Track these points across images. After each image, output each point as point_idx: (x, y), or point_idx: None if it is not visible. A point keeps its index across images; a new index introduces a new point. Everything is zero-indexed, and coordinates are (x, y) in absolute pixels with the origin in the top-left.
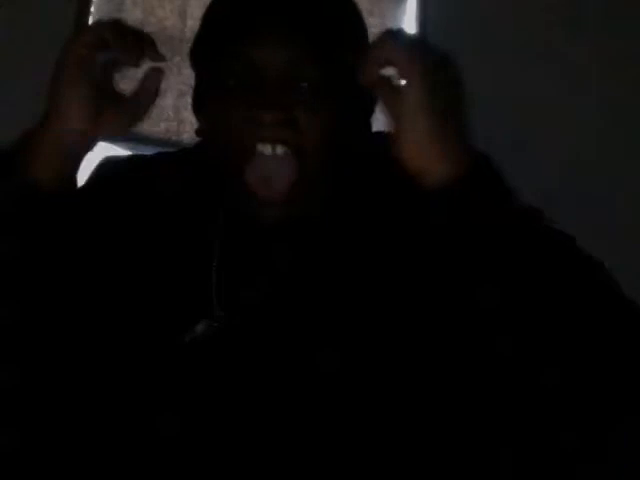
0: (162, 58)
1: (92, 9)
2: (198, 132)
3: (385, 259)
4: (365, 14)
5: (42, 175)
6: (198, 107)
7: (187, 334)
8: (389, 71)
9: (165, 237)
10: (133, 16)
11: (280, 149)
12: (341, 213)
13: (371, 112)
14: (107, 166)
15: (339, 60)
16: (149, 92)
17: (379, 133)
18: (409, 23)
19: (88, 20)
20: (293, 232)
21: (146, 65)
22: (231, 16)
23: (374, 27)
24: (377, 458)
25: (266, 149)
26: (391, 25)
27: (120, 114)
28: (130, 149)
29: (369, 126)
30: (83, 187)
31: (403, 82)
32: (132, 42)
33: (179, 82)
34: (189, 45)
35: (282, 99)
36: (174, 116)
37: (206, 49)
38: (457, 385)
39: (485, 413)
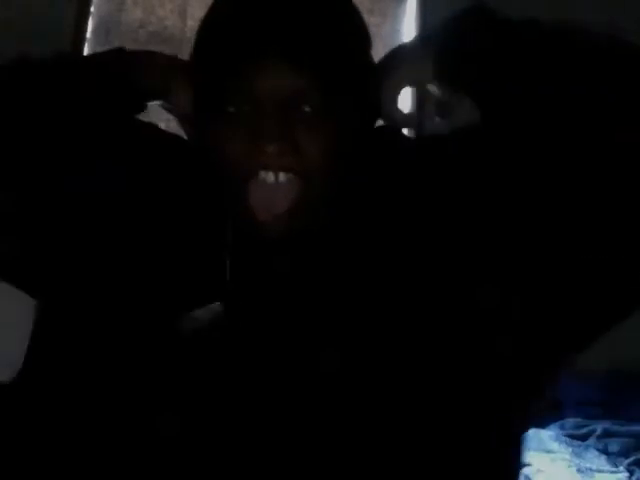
0: None
1: (92, 9)
2: (195, 143)
3: (386, 262)
4: (366, 13)
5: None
6: (196, 125)
7: (188, 319)
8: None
9: (176, 225)
10: (133, 16)
11: (283, 176)
12: (343, 223)
13: (373, 122)
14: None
15: (341, 83)
16: None
17: (381, 129)
18: (409, 23)
19: (88, 20)
20: (295, 245)
21: None
22: (232, 44)
23: (375, 26)
24: (377, 457)
25: (269, 177)
26: (391, 25)
27: None
28: None
29: (370, 132)
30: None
31: None
32: None
33: None
34: (189, 44)
35: (285, 128)
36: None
37: (206, 75)
38: (456, 384)
39: (484, 412)
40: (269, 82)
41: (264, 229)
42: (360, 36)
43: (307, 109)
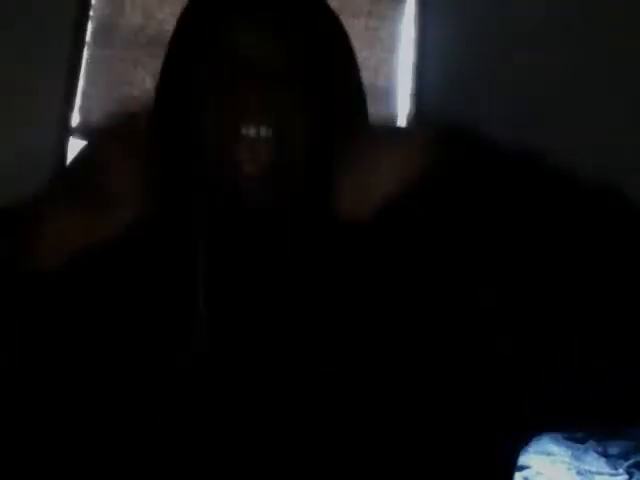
0: None
1: (91, 13)
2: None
3: (382, 259)
4: (364, 16)
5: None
6: (168, 108)
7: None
8: None
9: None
10: (132, 20)
11: (264, 130)
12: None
13: (360, 107)
14: None
15: (321, 53)
16: None
17: (390, 129)
18: (408, 25)
19: (87, 24)
20: (276, 222)
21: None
22: (217, 6)
23: (373, 29)
24: (377, 460)
25: (250, 131)
26: (390, 27)
27: None
28: None
29: (360, 123)
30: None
31: None
32: None
33: None
34: None
35: (266, 86)
36: None
37: (186, 45)
38: (456, 384)
39: (484, 412)
40: (248, 42)
41: (250, 188)
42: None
43: (286, 70)
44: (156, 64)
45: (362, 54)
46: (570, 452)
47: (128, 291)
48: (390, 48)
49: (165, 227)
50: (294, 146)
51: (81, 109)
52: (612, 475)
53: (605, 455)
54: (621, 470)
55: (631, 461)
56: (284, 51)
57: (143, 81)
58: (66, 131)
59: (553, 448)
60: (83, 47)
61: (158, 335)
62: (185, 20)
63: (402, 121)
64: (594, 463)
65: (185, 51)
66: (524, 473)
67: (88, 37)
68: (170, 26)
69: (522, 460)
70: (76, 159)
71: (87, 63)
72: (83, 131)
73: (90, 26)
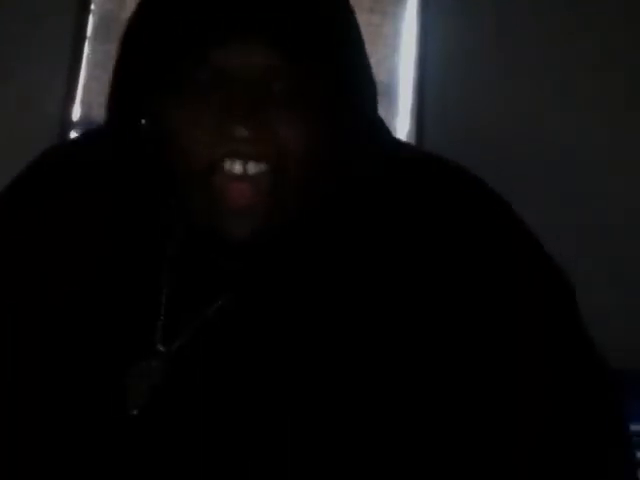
0: None
1: (92, 7)
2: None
3: (359, 298)
4: (366, 12)
5: None
6: (139, 105)
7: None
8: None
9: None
10: None
11: (252, 167)
12: (318, 234)
13: (368, 125)
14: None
15: (325, 65)
16: None
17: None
18: (410, 22)
19: (89, 18)
20: (255, 250)
21: None
22: (198, 16)
23: (375, 26)
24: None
25: (235, 167)
26: (392, 24)
27: None
28: None
29: (372, 142)
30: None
31: None
32: None
33: None
34: None
35: (257, 109)
36: None
37: (163, 50)
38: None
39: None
40: (240, 57)
41: (226, 223)
42: (346, 20)
43: (283, 90)
44: None
45: None
46: None
47: (86, 321)
48: (392, 44)
49: (132, 254)
50: (289, 182)
51: (82, 103)
52: None
53: None
54: None
55: None
56: (284, 72)
57: None
58: (67, 125)
59: None
60: (84, 41)
61: (112, 367)
62: (156, 25)
63: (404, 117)
64: None
65: (156, 62)
66: None
67: (89, 31)
68: None
69: None
70: None
71: (88, 57)
72: (84, 125)
73: (91, 20)
